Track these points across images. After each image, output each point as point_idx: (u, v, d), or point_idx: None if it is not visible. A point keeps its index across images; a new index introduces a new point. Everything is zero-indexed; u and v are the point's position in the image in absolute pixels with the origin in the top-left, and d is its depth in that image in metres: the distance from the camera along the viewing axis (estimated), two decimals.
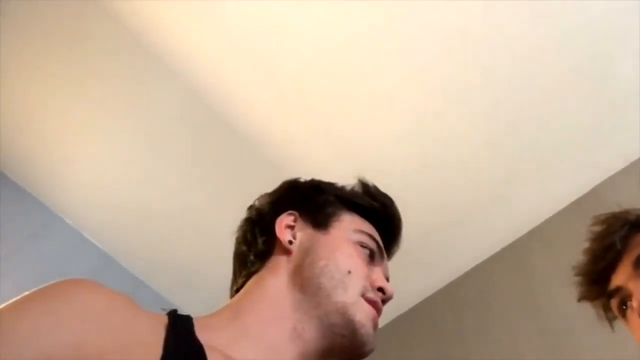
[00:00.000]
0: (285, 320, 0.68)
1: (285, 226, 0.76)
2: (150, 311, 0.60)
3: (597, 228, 0.99)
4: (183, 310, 0.64)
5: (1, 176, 2.24)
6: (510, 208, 2.05)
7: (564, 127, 1.85)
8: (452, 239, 2.15)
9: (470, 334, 2.04)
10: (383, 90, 1.84)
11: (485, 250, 2.16)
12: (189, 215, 2.25)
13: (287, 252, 0.74)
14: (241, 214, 0.82)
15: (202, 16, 1.76)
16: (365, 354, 0.70)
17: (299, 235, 0.75)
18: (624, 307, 0.92)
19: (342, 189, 0.83)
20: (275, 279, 0.72)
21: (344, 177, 0.85)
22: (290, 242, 0.74)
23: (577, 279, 0.99)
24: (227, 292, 0.78)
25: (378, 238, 0.79)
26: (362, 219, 0.79)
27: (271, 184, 0.84)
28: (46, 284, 0.55)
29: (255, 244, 0.76)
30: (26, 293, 0.53)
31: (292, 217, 0.77)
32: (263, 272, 0.74)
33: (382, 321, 0.76)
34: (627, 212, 0.98)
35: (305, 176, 0.85)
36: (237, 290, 0.75)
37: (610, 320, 0.99)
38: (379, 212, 0.81)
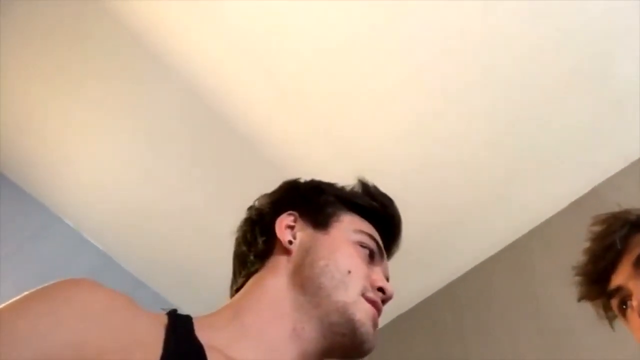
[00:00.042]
0: (285, 320, 0.68)
1: (285, 226, 0.76)
2: (150, 311, 0.60)
3: (597, 228, 0.99)
4: (183, 311, 0.64)
5: (1, 177, 2.24)
6: (510, 208, 2.05)
7: (564, 127, 1.85)
8: (452, 239, 2.15)
9: (470, 334, 2.04)
10: (383, 90, 1.84)
11: (485, 250, 2.16)
12: (189, 215, 2.25)
13: (287, 252, 0.74)
14: (241, 214, 0.82)
15: (202, 16, 1.76)
16: (365, 353, 0.70)
17: (299, 235, 0.75)
18: (624, 307, 0.92)
19: (342, 189, 0.83)
20: (275, 279, 0.72)
21: (344, 177, 0.85)
22: (290, 242, 0.74)
23: (577, 278, 1.00)
24: (227, 292, 0.78)
25: (378, 238, 0.79)
26: (362, 219, 0.79)
27: (271, 184, 0.84)
28: (46, 284, 0.55)
29: (255, 244, 0.76)
30: (26, 293, 0.53)
31: (292, 217, 0.77)
32: (263, 272, 0.74)
33: (382, 321, 0.76)
34: (627, 212, 0.98)
35: (305, 176, 0.85)
36: (237, 290, 0.75)
37: (611, 320, 0.99)
38: (379, 212, 0.81)
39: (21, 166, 2.22)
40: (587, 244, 0.99)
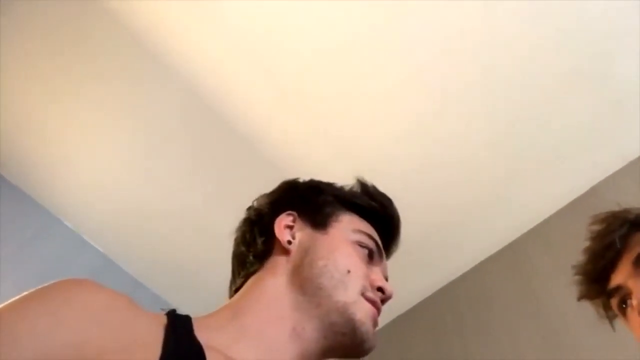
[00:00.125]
0: (284, 321, 0.68)
1: (284, 226, 0.76)
2: (150, 311, 0.60)
3: (597, 227, 0.99)
4: (182, 311, 0.64)
5: (0, 179, 2.24)
6: (510, 208, 2.05)
7: (564, 127, 1.85)
8: (452, 239, 2.15)
9: (470, 333, 2.04)
10: (383, 90, 1.84)
11: (485, 250, 2.16)
12: (189, 215, 2.25)
13: (286, 252, 0.74)
14: (241, 214, 0.82)
15: (202, 16, 1.76)
16: (365, 352, 0.70)
17: (298, 235, 0.75)
18: (624, 306, 0.92)
19: (341, 189, 0.83)
20: (274, 279, 0.72)
21: (344, 177, 0.85)
22: (289, 242, 0.74)
23: (577, 278, 0.99)
24: (227, 293, 0.78)
25: (377, 238, 0.79)
26: (361, 219, 0.79)
27: (271, 184, 0.84)
28: (46, 284, 0.54)
29: (255, 244, 0.76)
30: (25, 293, 0.53)
31: (291, 218, 0.77)
32: (262, 273, 0.74)
33: (382, 321, 0.77)
34: (626, 211, 0.98)
35: (304, 176, 0.85)
36: (236, 291, 0.75)
37: (610, 319, 0.99)
38: (378, 212, 0.81)
39: (21, 167, 2.22)
40: (586, 243, 0.99)
